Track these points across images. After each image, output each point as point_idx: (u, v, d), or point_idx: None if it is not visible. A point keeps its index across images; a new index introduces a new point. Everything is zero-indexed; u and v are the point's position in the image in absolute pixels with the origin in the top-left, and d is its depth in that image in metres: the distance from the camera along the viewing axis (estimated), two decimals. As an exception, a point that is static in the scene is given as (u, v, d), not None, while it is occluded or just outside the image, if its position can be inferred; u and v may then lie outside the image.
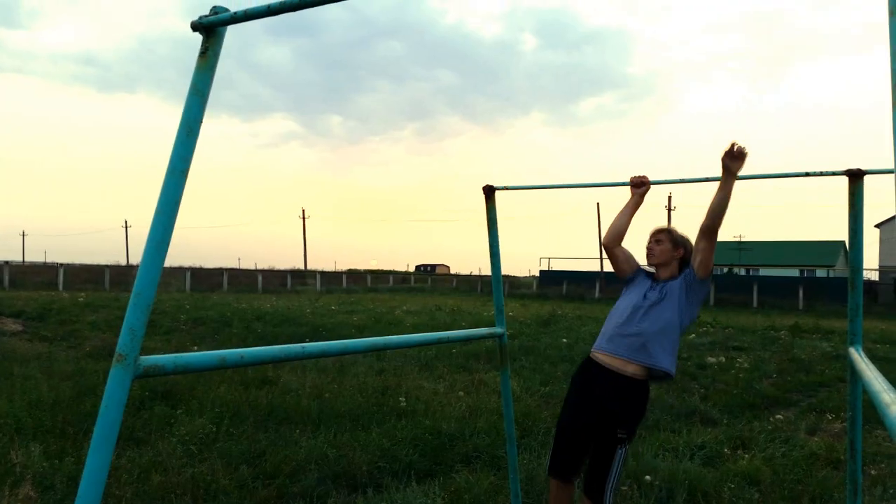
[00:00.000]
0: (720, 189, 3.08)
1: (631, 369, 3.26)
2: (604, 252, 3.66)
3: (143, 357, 1.61)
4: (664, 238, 3.49)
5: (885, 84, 1.11)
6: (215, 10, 1.73)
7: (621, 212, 3.52)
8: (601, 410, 3.30)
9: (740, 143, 2.98)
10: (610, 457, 3.29)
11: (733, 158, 2.99)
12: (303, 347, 2.07)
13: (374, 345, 2.55)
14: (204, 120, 1.76)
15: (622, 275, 3.57)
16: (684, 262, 3.46)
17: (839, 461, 5.32)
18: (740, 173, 3.07)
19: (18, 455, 4.66)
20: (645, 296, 3.36)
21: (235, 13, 1.70)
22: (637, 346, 3.26)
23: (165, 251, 1.66)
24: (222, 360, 1.79)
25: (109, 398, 1.56)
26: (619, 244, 3.52)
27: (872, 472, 5.17)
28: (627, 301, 3.42)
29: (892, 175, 1.02)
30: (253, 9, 1.71)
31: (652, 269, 3.56)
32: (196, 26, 1.75)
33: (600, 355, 3.37)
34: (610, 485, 3.28)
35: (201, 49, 1.76)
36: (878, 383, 1.67)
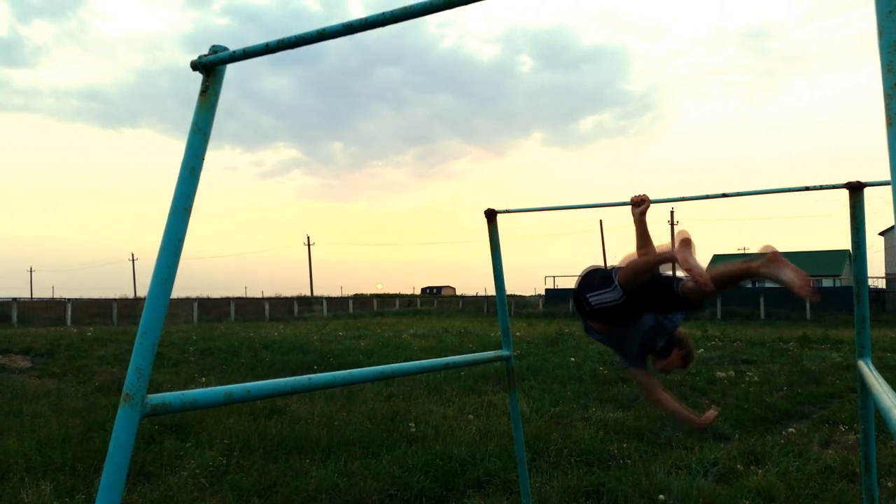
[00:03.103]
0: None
1: None
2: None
3: (150, 395, 1.61)
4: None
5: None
6: (214, 49, 1.74)
7: (641, 247, 3.47)
8: None
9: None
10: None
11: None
12: (309, 379, 2.07)
13: (381, 373, 2.55)
14: (208, 151, 1.77)
15: None
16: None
17: (854, 474, 5.25)
18: (740, 190, 3.05)
19: (29, 494, 4.65)
20: None
21: (234, 52, 1.71)
22: None
23: (170, 289, 1.67)
24: (229, 395, 1.80)
25: (118, 437, 1.56)
26: None
27: (889, 484, 5.11)
28: None
29: (891, 186, 1.02)
30: (251, 47, 1.72)
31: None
32: (196, 65, 1.76)
33: None
34: None
35: (202, 87, 1.76)
36: (887, 398, 1.65)
